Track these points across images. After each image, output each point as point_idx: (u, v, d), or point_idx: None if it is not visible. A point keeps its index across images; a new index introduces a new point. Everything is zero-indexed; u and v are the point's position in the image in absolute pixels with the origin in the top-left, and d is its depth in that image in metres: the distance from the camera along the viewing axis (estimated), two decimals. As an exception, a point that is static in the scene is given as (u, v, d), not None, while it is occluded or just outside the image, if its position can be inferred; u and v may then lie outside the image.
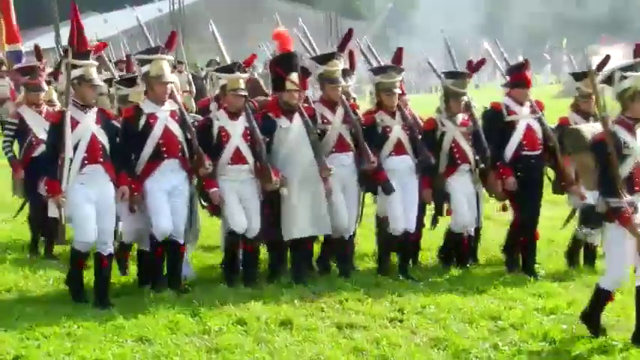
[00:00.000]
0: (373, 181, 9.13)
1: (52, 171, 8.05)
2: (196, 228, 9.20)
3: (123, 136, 8.39)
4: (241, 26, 43.78)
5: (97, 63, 8.37)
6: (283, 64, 9.00)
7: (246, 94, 8.79)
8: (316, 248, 9.48)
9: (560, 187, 9.50)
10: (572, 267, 9.59)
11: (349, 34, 9.69)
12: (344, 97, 9.24)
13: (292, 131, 8.87)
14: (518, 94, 9.37)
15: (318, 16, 47.14)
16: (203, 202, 9.00)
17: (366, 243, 10.19)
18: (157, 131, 8.41)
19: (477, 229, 9.69)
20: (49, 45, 31.00)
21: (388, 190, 9.00)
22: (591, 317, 7.28)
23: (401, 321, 7.77)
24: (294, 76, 8.87)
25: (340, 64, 9.22)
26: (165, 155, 8.43)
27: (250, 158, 8.68)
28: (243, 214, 8.66)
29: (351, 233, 9.27)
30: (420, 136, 9.21)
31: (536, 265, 9.41)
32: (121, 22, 26.03)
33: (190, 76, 22.48)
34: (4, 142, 10.67)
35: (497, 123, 9.31)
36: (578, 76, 9.52)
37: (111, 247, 8.32)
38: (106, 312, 7.90)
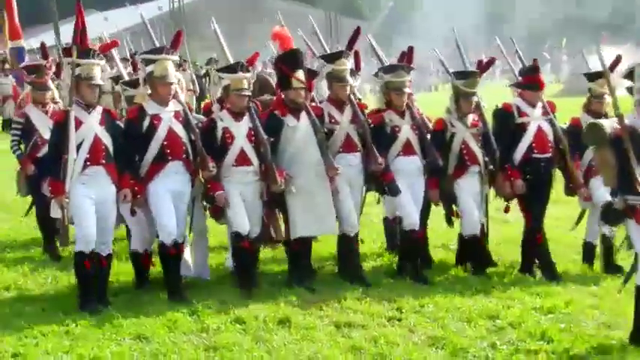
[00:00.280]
0: (380, 182, 9.01)
1: (55, 171, 7.97)
2: (203, 225, 9.15)
3: (126, 137, 8.26)
4: (241, 26, 43.77)
5: (98, 62, 8.21)
6: (288, 61, 8.84)
7: (250, 94, 8.66)
8: (315, 248, 9.46)
9: (568, 189, 9.46)
10: (609, 272, 9.12)
11: (357, 33, 9.51)
12: (352, 96, 9.09)
13: (299, 130, 8.73)
14: (531, 96, 9.26)
15: (319, 14, 47.15)
16: (205, 204, 8.82)
17: (365, 243, 10.12)
18: (161, 133, 8.28)
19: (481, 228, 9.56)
20: (49, 43, 30.90)
21: (394, 191, 8.90)
22: None
23: (399, 320, 7.76)
24: (300, 74, 8.73)
25: (348, 63, 9.09)
26: (170, 157, 8.29)
27: (255, 159, 8.54)
28: (246, 216, 8.54)
29: (357, 231, 9.13)
30: (428, 137, 9.11)
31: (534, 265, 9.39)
32: (122, 20, 26.08)
33: (194, 75, 22.44)
34: (12, 140, 10.60)
35: (508, 124, 9.20)
36: (591, 77, 9.38)
37: (110, 248, 8.30)
38: (105, 310, 7.90)
